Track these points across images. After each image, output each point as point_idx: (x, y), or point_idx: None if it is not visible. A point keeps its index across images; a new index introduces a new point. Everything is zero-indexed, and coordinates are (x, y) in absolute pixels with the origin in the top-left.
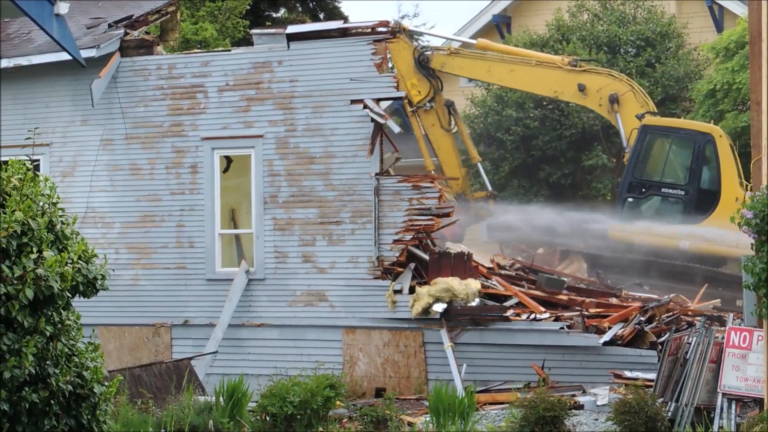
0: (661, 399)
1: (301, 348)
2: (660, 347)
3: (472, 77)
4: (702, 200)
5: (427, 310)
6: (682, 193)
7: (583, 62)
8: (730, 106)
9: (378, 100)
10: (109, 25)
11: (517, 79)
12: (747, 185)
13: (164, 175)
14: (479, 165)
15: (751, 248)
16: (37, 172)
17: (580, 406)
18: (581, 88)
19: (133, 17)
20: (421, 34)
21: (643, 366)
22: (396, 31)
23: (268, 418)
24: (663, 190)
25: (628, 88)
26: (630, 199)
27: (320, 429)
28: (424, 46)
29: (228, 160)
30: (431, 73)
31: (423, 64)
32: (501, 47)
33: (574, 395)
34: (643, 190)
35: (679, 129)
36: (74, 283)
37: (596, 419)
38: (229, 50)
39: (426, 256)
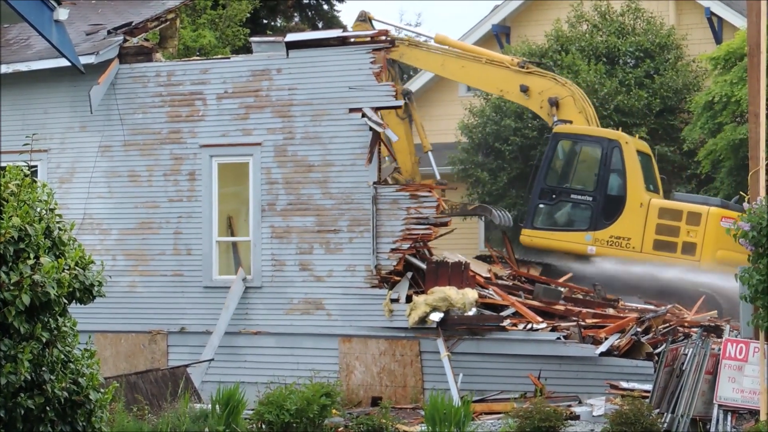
0: (657, 410)
1: (297, 356)
2: (656, 358)
3: (428, 69)
4: (609, 206)
5: (423, 320)
6: (590, 199)
7: (532, 65)
8: (728, 118)
9: (377, 109)
10: (108, 32)
11: (468, 75)
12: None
13: (162, 182)
14: (430, 154)
15: (748, 260)
16: (35, 178)
17: (576, 417)
18: (524, 89)
19: (133, 24)
20: (385, 24)
21: (640, 377)
22: (362, 20)
23: (263, 426)
24: (572, 196)
25: (568, 93)
26: (541, 206)
27: None
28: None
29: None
30: (390, 62)
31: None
32: (456, 43)
33: (570, 406)
34: (554, 196)
35: (587, 136)
36: (71, 289)
37: (592, 430)
38: (228, 58)
39: (423, 265)
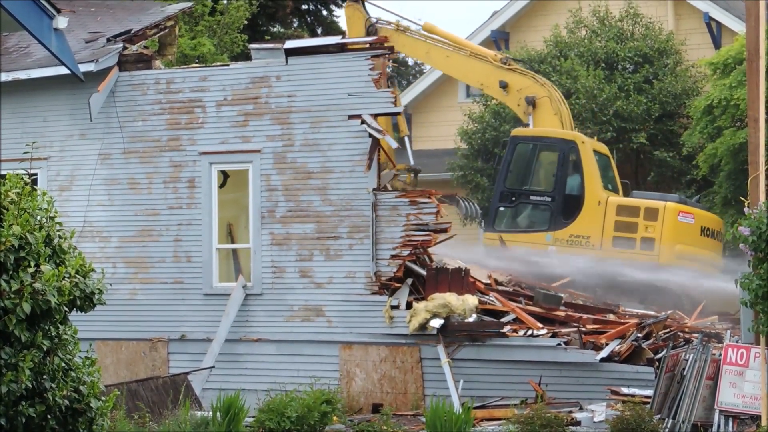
0: (658, 416)
1: (298, 363)
2: (657, 364)
3: (413, 56)
4: (568, 206)
5: (424, 326)
6: (549, 199)
7: (515, 62)
8: (727, 122)
9: (376, 116)
10: (108, 40)
11: (451, 65)
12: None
13: (162, 190)
14: (406, 139)
15: (748, 265)
16: (35, 186)
17: (577, 423)
18: (503, 85)
19: (132, 32)
20: (378, 6)
21: (640, 382)
22: (354, 0)
23: None
24: (532, 197)
25: (546, 94)
26: (501, 208)
27: None
28: (377, 18)
29: (225, 175)
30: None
31: (371, 34)
32: (443, 32)
33: (571, 411)
34: (514, 198)
35: (544, 138)
36: (72, 297)
37: None
38: (227, 65)
39: (423, 272)
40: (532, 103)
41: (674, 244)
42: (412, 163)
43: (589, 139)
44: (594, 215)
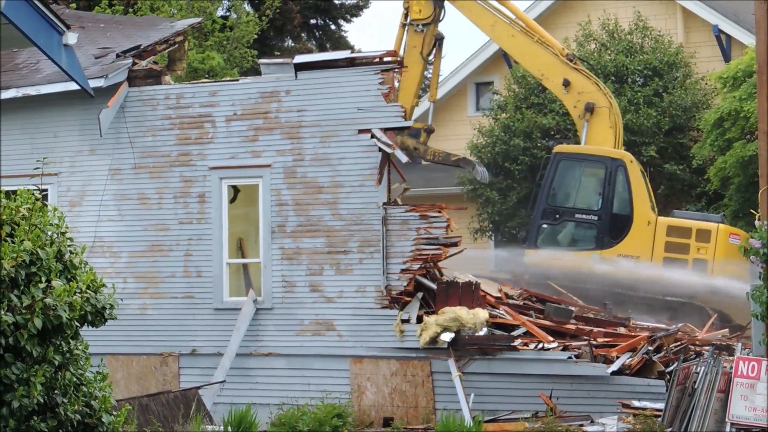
0: (670, 429)
1: (308, 377)
2: (668, 377)
3: (476, 24)
4: (615, 225)
5: (434, 340)
6: (595, 218)
7: (581, 61)
8: (737, 135)
9: (385, 130)
10: (117, 55)
11: (514, 46)
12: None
13: (172, 205)
14: (432, 104)
15: (759, 278)
16: (46, 202)
17: None
18: (565, 83)
19: (141, 47)
20: None
21: (652, 396)
22: None
23: None
24: (577, 215)
25: (606, 104)
26: (544, 226)
27: None
28: None
29: (235, 190)
30: (439, 2)
31: None
32: (515, 8)
33: (582, 425)
34: (557, 216)
35: (591, 155)
36: (83, 312)
37: None
38: (237, 80)
39: (434, 286)
40: (590, 110)
41: (726, 266)
42: (429, 123)
43: (635, 159)
44: (643, 235)
